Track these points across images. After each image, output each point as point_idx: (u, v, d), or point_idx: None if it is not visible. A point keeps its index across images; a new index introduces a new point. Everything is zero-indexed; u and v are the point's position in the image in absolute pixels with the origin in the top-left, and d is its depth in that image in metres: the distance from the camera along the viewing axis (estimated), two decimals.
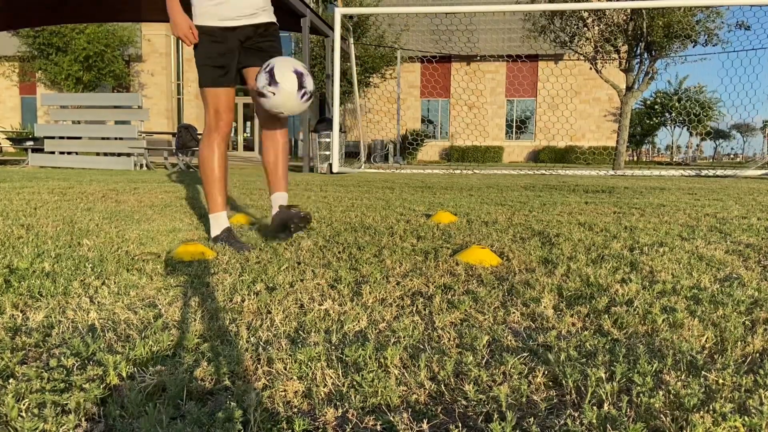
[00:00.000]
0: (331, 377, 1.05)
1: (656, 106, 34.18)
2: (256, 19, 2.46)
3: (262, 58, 2.40)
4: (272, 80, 2.17)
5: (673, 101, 33.11)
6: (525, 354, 1.17)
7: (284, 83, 2.18)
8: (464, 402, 0.97)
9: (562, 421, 0.89)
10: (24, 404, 0.91)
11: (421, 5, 23.61)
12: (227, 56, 2.40)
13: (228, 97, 2.44)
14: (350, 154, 14.74)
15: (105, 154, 10.54)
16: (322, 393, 0.99)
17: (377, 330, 1.33)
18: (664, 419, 0.88)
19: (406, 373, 1.07)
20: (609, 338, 1.27)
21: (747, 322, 1.38)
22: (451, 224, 3.09)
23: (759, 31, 32.25)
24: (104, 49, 21.78)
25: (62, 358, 1.09)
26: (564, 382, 1.03)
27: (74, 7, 10.41)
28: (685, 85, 34.04)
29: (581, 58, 15.76)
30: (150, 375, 1.03)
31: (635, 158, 39.41)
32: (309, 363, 1.10)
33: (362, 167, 11.81)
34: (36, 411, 0.90)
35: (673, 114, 33.02)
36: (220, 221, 2.46)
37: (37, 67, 21.95)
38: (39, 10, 10.45)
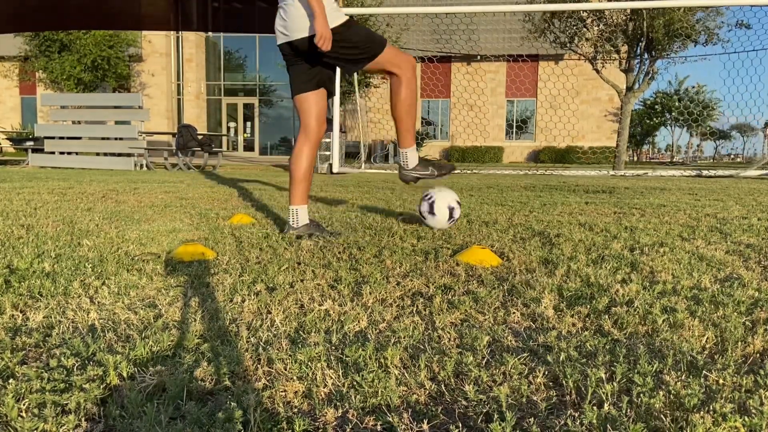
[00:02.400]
0: (331, 377, 1.05)
1: (656, 106, 34.19)
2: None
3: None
4: (431, 210, 2.83)
5: (673, 101, 33.11)
6: (525, 354, 1.17)
7: (439, 214, 2.83)
8: (464, 402, 0.97)
9: (562, 422, 0.89)
10: (24, 404, 0.91)
11: (421, 5, 23.61)
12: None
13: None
14: (350, 154, 14.74)
15: (105, 155, 10.54)
16: (322, 393, 0.99)
17: (377, 330, 1.33)
18: (665, 419, 0.88)
19: (406, 374, 1.07)
20: (609, 338, 1.27)
21: (747, 323, 1.38)
22: None
23: (760, 31, 32.18)
24: (110, 51, 21.77)
25: (62, 359, 1.09)
26: (564, 382, 1.03)
27: (74, 14, 10.43)
28: (685, 86, 34.06)
29: (581, 58, 15.76)
30: (150, 375, 1.03)
31: (635, 158, 39.42)
32: (309, 363, 1.10)
33: (362, 167, 11.81)
34: (36, 411, 0.90)
35: (674, 113, 33.03)
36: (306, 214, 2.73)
37: (38, 66, 21.92)
38: (40, 15, 10.47)
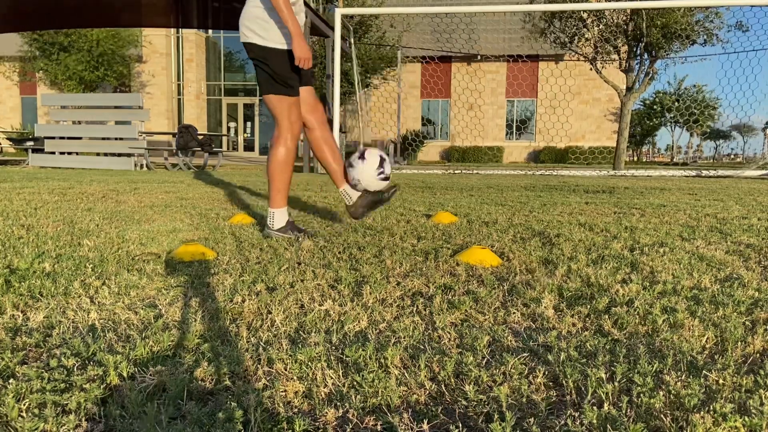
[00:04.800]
0: (332, 377, 1.05)
1: (656, 106, 34.18)
2: None
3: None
4: (362, 156, 2.75)
5: (672, 101, 33.11)
6: (525, 354, 1.17)
7: (369, 159, 2.74)
8: (464, 402, 0.97)
9: (563, 422, 0.89)
10: (24, 404, 0.91)
11: (422, 5, 23.61)
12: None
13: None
14: (351, 154, 14.77)
15: (105, 155, 10.54)
16: (323, 393, 0.99)
17: (377, 330, 1.33)
18: (665, 419, 0.88)
19: (406, 374, 1.07)
20: (609, 338, 1.27)
21: (747, 323, 1.38)
22: (452, 224, 3.09)
23: (759, 32, 32.20)
24: (112, 47, 21.78)
25: (62, 359, 1.09)
26: (564, 382, 1.03)
27: (74, 12, 10.42)
28: (684, 85, 34.04)
29: (581, 58, 15.76)
30: (150, 375, 1.03)
31: (635, 158, 39.43)
32: (309, 363, 1.10)
33: None
34: (36, 411, 0.90)
35: (673, 113, 33.03)
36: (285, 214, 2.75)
37: (38, 66, 21.90)
38: (40, 14, 10.46)
